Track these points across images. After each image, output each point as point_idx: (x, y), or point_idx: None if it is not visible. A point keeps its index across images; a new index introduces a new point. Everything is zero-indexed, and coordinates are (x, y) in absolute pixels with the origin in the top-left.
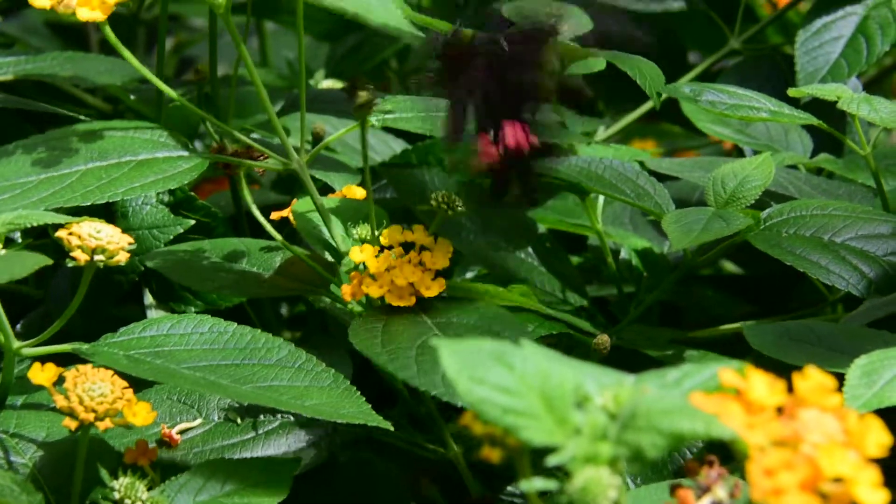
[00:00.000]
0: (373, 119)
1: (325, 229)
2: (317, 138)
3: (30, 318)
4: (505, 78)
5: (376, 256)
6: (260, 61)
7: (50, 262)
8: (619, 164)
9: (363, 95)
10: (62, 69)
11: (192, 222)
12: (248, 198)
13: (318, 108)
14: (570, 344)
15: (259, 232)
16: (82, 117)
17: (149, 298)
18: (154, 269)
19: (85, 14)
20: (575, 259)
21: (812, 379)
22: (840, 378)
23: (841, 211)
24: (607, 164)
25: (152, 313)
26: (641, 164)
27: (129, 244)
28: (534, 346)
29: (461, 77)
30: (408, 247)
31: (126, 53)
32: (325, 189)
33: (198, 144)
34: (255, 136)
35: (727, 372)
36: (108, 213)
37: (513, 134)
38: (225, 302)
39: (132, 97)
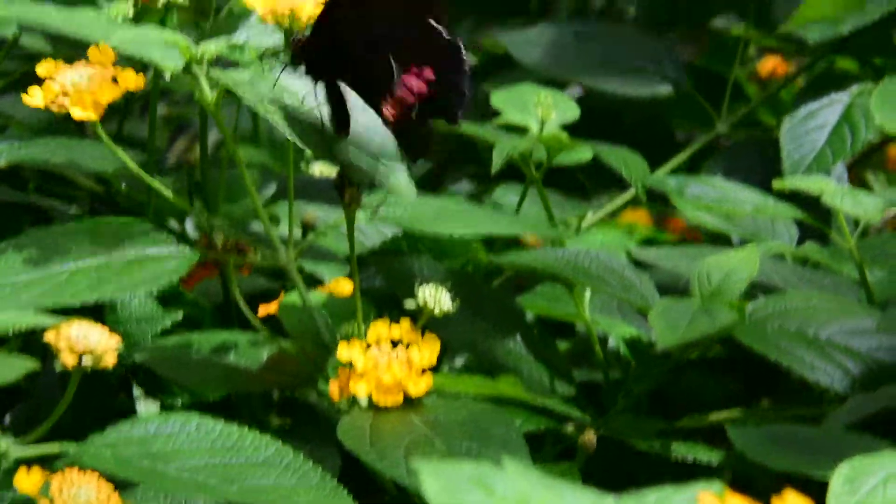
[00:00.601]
0: (361, 215)
1: (311, 325)
2: (307, 227)
3: (17, 410)
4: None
5: (363, 353)
6: (251, 136)
7: (38, 367)
8: (605, 257)
9: (351, 192)
10: (55, 156)
11: (181, 315)
12: (237, 292)
13: (310, 194)
14: (557, 435)
15: (248, 321)
16: (73, 210)
17: (137, 390)
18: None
19: (78, 113)
20: (563, 345)
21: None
22: (824, 484)
23: (825, 304)
24: (594, 256)
25: (141, 405)
26: (629, 253)
27: (117, 345)
28: (516, 466)
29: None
30: (396, 342)
31: (118, 151)
32: (314, 279)
33: (189, 223)
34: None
35: (707, 496)
36: (97, 305)
37: (417, 81)
38: (213, 394)
39: (123, 185)
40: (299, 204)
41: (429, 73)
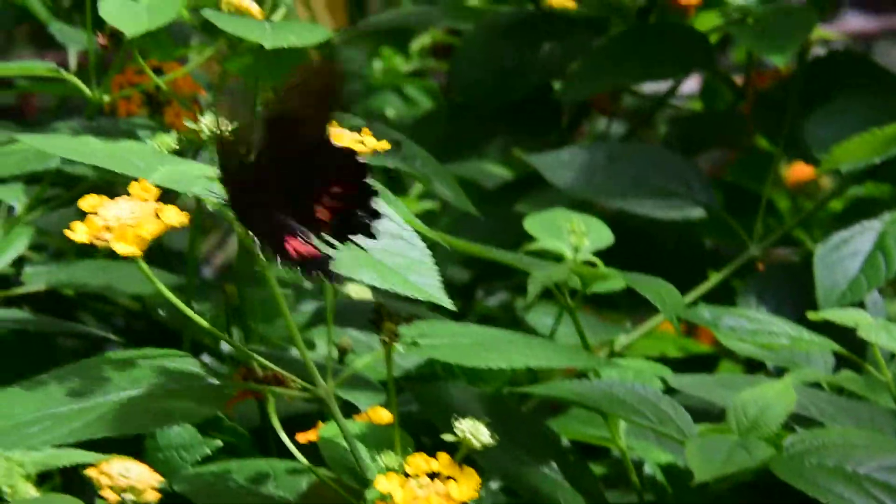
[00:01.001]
0: (400, 347)
1: (350, 455)
2: (342, 353)
3: None
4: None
5: (402, 486)
6: None
7: (81, 503)
8: (640, 388)
9: (388, 326)
10: (94, 279)
11: (220, 443)
12: (276, 421)
13: (346, 320)
14: None
15: (285, 447)
16: (112, 336)
17: None
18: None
19: (121, 249)
20: (597, 469)
21: None
22: None
23: (863, 440)
24: (628, 387)
25: None
26: (663, 380)
27: (159, 482)
28: None
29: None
30: (434, 474)
31: (158, 283)
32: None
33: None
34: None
35: None
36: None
37: (324, 210)
38: None
39: (162, 312)
40: (335, 330)
41: (331, 201)
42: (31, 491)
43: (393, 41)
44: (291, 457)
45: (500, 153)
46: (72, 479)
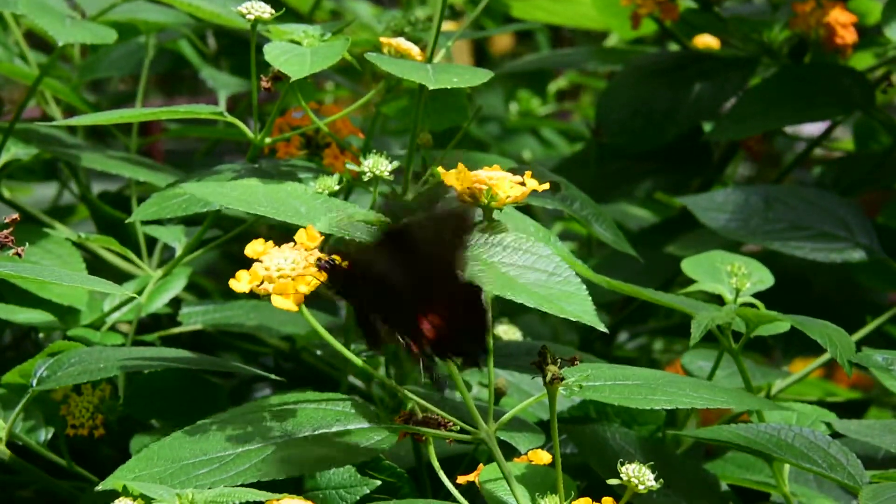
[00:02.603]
0: (561, 391)
1: (511, 498)
2: (498, 395)
3: None
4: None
5: None
6: None
7: None
8: (808, 433)
9: (552, 369)
10: (248, 318)
11: (379, 483)
12: (436, 464)
13: (498, 361)
14: None
15: (439, 487)
16: (271, 375)
17: None
18: None
19: (279, 302)
20: None
21: None
22: None
23: None
24: (797, 431)
25: None
26: (828, 424)
27: None
28: None
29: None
30: None
31: (319, 328)
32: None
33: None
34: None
35: None
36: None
37: (429, 326)
38: None
39: (318, 352)
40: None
41: (437, 320)
42: None
43: (530, 84)
44: (445, 497)
45: (647, 195)
46: None
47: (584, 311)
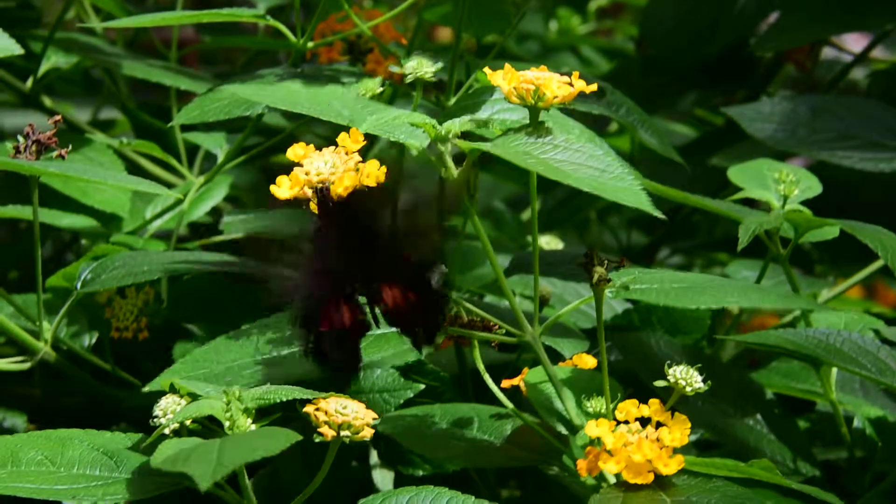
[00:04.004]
0: (608, 292)
1: (557, 401)
2: (543, 302)
3: (259, 475)
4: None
5: (612, 432)
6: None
7: (300, 437)
8: (858, 337)
9: (600, 271)
10: (288, 227)
11: (422, 387)
12: (481, 367)
13: (543, 268)
14: None
15: (481, 392)
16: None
17: (374, 458)
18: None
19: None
20: (800, 424)
21: None
22: None
23: None
24: (845, 336)
25: (377, 474)
26: (876, 332)
27: (374, 419)
28: None
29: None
30: (643, 421)
31: None
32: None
33: None
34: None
35: None
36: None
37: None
38: (452, 466)
39: None
40: (529, 277)
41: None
42: (250, 424)
43: (570, 1)
44: (489, 402)
45: (691, 109)
46: (288, 421)
47: (639, 200)
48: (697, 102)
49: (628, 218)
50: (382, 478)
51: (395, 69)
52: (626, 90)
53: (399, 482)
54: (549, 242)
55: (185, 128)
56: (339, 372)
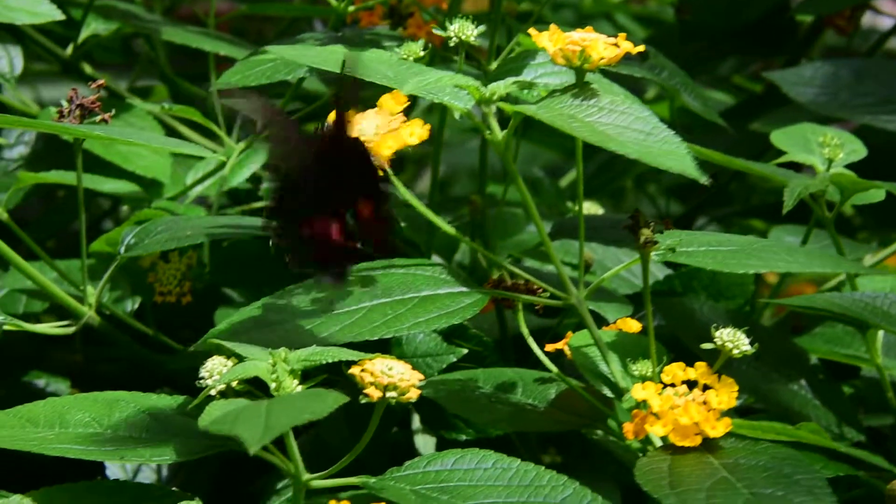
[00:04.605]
0: (654, 255)
1: (602, 364)
2: (585, 267)
3: (301, 440)
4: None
5: (659, 394)
6: (502, 178)
7: (347, 399)
8: None
9: (646, 233)
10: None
11: (465, 351)
12: (525, 330)
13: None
14: (850, 483)
15: (523, 357)
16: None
17: (416, 423)
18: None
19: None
20: (845, 389)
21: None
22: None
23: None
24: (893, 299)
25: (419, 439)
26: None
27: (420, 381)
28: None
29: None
30: (689, 384)
31: (406, 193)
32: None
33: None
34: (526, 265)
35: None
36: (382, 341)
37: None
38: (496, 430)
39: (403, 224)
40: (570, 242)
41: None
42: (296, 386)
43: None
44: (531, 367)
45: (732, 73)
46: (331, 383)
47: (684, 165)
48: (735, 69)
49: (666, 186)
50: (425, 442)
51: (438, 32)
52: (665, 55)
53: (441, 447)
54: (589, 208)
55: (223, 94)
56: (331, 280)
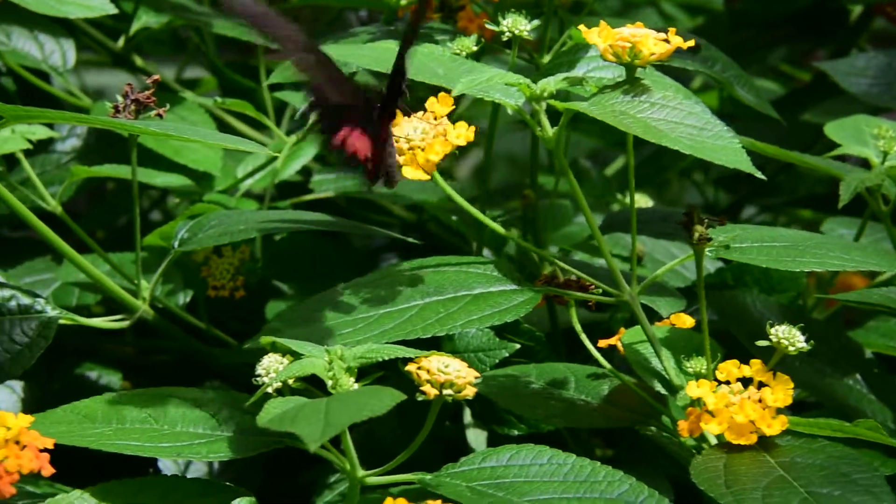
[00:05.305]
0: (707, 251)
1: (655, 360)
2: (638, 260)
3: (353, 435)
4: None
5: (714, 392)
6: (548, 168)
7: (404, 397)
8: None
9: (700, 230)
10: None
11: (518, 346)
12: (578, 327)
13: (626, 226)
14: None
15: (573, 351)
16: (410, 240)
17: (468, 418)
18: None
19: (409, 174)
20: None
21: None
22: None
23: None
24: None
25: (470, 433)
26: None
27: (476, 378)
28: None
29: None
30: (744, 381)
31: (453, 194)
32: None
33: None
34: (575, 258)
35: None
36: (434, 336)
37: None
38: (548, 426)
39: (454, 217)
40: (620, 236)
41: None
42: (353, 383)
43: None
44: (581, 362)
45: (781, 61)
46: (383, 380)
47: (738, 160)
48: (785, 57)
49: (715, 176)
50: (476, 437)
51: (491, 27)
52: (714, 45)
53: (493, 442)
54: (639, 201)
55: (273, 86)
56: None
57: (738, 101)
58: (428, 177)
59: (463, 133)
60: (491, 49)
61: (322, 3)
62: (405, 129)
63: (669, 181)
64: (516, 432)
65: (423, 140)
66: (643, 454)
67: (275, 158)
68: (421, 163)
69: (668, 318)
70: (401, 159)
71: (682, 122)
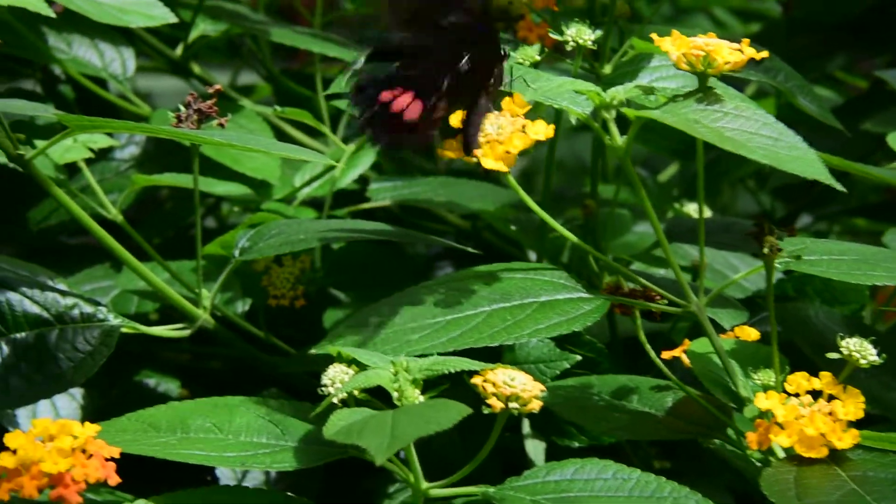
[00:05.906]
0: (777, 263)
1: (722, 372)
2: (696, 270)
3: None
4: None
5: (783, 404)
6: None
7: (471, 411)
8: None
9: (771, 241)
10: (436, 195)
11: (579, 358)
12: (643, 338)
13: (692, 237)
14: None
15: (632, 362)
16: (469, 249)
17: (526, 429)
18: None
19: (489, 164)
20: None
21: None
22: None
23: None
24: None
25: (529, 444)
26: None
27: (542, 391)
28: None
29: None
30: (813, 394)
31: (526, 198)
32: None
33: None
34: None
35: None
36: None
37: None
38: (610, 438)
39: (513, 227)
40: (678, 246)
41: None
42: (419, 396)
43: None
44: (642, 373)
45: (839, 69)
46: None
47: (816, 170)
48: (843, 65)
49: (774, 185)
50: (535, 448)
51: (555, 36)
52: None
53: (552, 453)
54: (697, 210)
55: (330, 95)
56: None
57: (797, 110)
58: (506, 168)
59: (542, 129)
60: (551, 58)
61: (373, 10)
62: (485, 126)
63: (721, 190)
64: (577, 444)
65: (500, 134)
66: (705, 467)
67: (332, 167)
68: (500, 154)
69: (730, 330)
70: (478, 152)
71: (758, 132)
